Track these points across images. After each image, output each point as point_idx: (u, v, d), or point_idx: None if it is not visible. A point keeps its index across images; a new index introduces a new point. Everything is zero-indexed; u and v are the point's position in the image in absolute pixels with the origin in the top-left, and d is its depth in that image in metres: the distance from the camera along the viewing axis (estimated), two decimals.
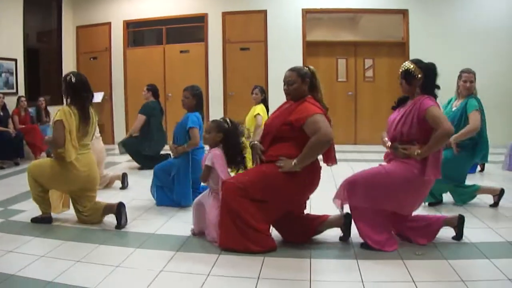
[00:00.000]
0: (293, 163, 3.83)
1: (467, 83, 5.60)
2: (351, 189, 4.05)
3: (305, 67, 4.21)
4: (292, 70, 4.13)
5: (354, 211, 4.08)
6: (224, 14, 11.76)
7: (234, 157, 4.31)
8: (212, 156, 4.23)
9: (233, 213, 3.86)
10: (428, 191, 4.23)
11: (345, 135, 11.62)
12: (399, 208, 4.12)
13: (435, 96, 4.17)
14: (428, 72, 4.15)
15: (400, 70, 4.24)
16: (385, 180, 4.01)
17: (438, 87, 4.21)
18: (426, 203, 5.55)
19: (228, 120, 4.39)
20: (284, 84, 4.12)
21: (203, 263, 3.70)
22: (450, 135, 3.99)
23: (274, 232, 4.23)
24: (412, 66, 4.15)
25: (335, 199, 4.19)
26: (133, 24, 12.44)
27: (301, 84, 4.07)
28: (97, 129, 6.94)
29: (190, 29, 12.30)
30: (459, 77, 5.73)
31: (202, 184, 5.10)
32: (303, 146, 3.87)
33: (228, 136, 4.30)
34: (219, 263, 3.72)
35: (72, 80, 4.63)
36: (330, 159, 4.17)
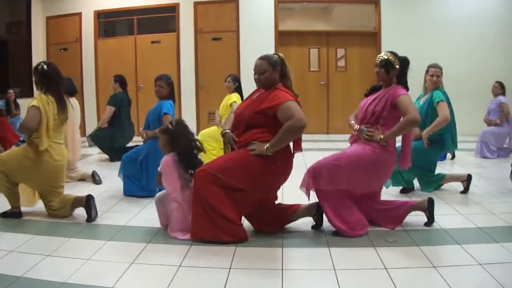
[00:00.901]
0: (265, 147, 3.82)
1: (434, 77, 5.73)
2: (316, 175, 4.09)
3: (275, 55, 4.20)
4: (263, 58, 4.11)
5: (321, 195, 4.12)
6: (196, 4, 11.68)
7: (189, 159, 4.20)
8: (162, 163, 4.17)
9: (205, 202, 3.82)
10: (390, 171, 4.36)
11: (318, 124, 11.65)
12: (362, 187, 4.21)
13: (407, 89, 4.34)
14: (403, 64, 4.35)
15: (379, 60, 4.37)
16: (347, 162, 4.10)
17: (408, 88, 4.39)
18: (398, 191, 5.66)
19: (173, 122, 4.32)
20: (255, 73, 4.10)
21: (174, 254, 3.67)
22: (416, 123, 4.13)
23: (246, 223, 4.22)
24: (391, 56, 4.32)
25: (301, 187, 4.21)
26: (104, 15, 12.27)
27: (272, 73, 4.05)
28: (79, 121, 6.89)
29: (161, 19, 12.18)
30: (426, 72, 5.86)
31: None
32: (275, 133, 3.87)
33: (174, 139, 4.20)
34: (191, 254, 3.69)
35: (45, 68, 4.59)
36: (298, 147, 4.20)
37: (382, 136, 4.12)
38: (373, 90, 4.49)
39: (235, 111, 4.38)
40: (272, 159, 3.89)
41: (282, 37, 11.64)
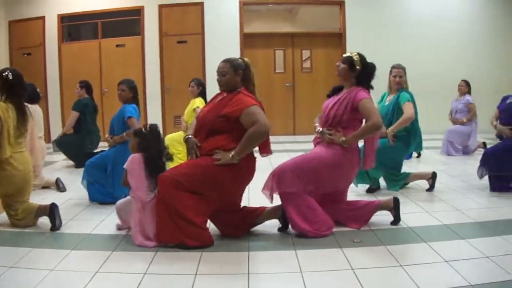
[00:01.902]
0: (230, 155, 3.81)
1: (396, 77, 5.84)
2: (279, 178, 4.09)
3: (239, 59, 4.19)
4: (226, 61, 4.10)
5: (284, 198, 4.11)
6: (161, 6, 11.60)
7: (155, 164, 4.13)
8: (128, 160, 4.13)
9: (169, 206, 3.78)
10: (355, 171, 4.39)
11: (284, 126, 11.70)
12: (326, 189, 4.24)
13: (370, 88, 4.39)
14: (367, 69, 4.38)
15: (344, 56, 4.44)
16: (310, 164, 4.13)
17: (372, 87, 4.44)
18: (365, 190, 5.73)
19: (147, 126, 4.27)
20: (218, 75, 4.10)
21: (140, 262, 3.62)
22: (378, 128, 4.18)
23: (211, 226, 4.20)
24: (356, 56, 4.36)
25: (264, 190, 4.20)
26: (68, 18, 12.07)
27: (234, 75, 4.05)
28: (42, 128, 6.75)
29: (126, 22, 12.06)
30: (390, 72, 5.96)
31: None
32: (239, 138, 3.86)
33: (145, 143, 4.14)
34: (156, 261, 3.64)
35: (9, 77, 4.49)
36: (266, 150, 4.19)
37: (343, 139, 4.15)
38: (335, 90, 4.52)
39: (198, 115, 4.36)
40: (237, 166, 3.88)
41: (248, 39, 11.64)
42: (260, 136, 3.87)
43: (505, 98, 6.05)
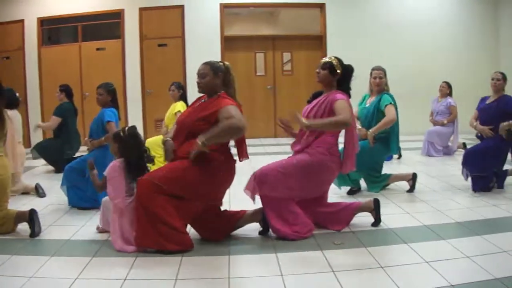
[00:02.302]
0: (200, 142, 3.72)
1: (376, 79, 5.88)
2: (261, 181, 4.09)
3: (220, 62, 4.18)
4: (206, 63, 4.09)
5: (264, 201, 4.13)
6: (141, 9, 11.52)
7: (137, 169, 4.11)
8: (109, 167, 4.11)
9: (149, 211, 3.76)
10: (335, 175, 4.45)
11: (265, 128, 11.70)
12: (306, 195, 4.26)
13: (349, 94, 4.42)
14: (346, 71, 4.43)
15: (322, 62, 4.45)
16: (293, 170, 4.13)
17: (350, 89, 4.49)
18: (345, 192, 5.75)
19: (125, 129, 4.25)
20: (197, 77, 4.08)
21: (120, 267, 3.59)
22: (344, 124, 4.13)
23: (192, 231, 4.19)
24: (335, 61, 4.40)
25: (246, 190, 4.22)
26: (48, 22, 11.92)
27: (213, 78, 4.02)
28: (20, 134, 6.67)
29: (106, 25, 11.98)
30: (370, 74, 6.00)
31: None
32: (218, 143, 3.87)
33: (124, 147, 4.14)
34: (136, 266, 3.62)
35: None
36: (242, 154, 4.15)
37: (307, 123, 4.07)
38: (316, 96, 4.57)
39: (177, 119, 4.35)
40: (215, 169, 3.89)
41: (228, 42, 11.62)
42: (234, 130, 3.79)
43: (483, 99, 6.12)
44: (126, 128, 4.28)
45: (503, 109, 5.73)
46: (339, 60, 4.44)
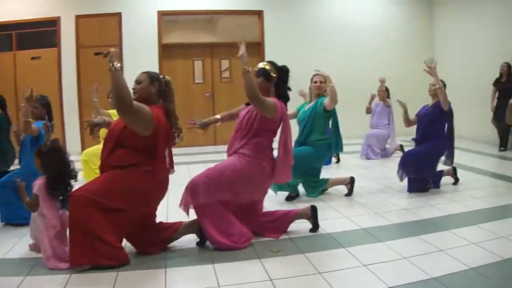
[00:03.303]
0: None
1: (317, 83, 5.91)
2: (193, 191, 4.02)
3: (161, 76, 4.12)
4: (144, 72, 4.05)
5: (200, 212, 4.04)
6: (78, 17, 11.21)
7: (58, 183, 3.92)
8: (36, 185, 3.92)
9: (82, 227, 3.60)
10: (269, 181, 4.38)
11: (205, 136, 11.53)
12: (241, 199, 4.21)
13: (287, 97, 4.45)
14: (282, 73, 4.41)
15: (256, 70, 4.40)
16: (224, 174, 4.08)
17: (289, 89, 4.48)
18: (284, 199, 5.74)
19: (47, 144, 4.08)
20: (134, 84, 4.00)
21: (54, 286, 3.42)
22: (251, 92, 4.12)
23: (128, 245, 4.06)
24: (268, 65, 4.37)
25: (180, 205, 4.14)
26: None
27: (148, 85, 3.95)
28: None
29: (42, 34, 11.58)
30: (311, 80, 6.04)
31: None
32: (143, 151, 3.78)
33: (44, 162, 3.95)
34: (72, 283, 3.46)
35: None
36: (171, 165, 4.07)
37: (248, 69, 4.11)
38: None
39: (110, 127, 4.21)
40: (152, 177, 3.81)
41: (166, 50, 11.50)
42: (123, 96, 3.59)
43: (424, 107, 6.28)
44: (48, 142, 4.11)
45: (437, 110, 5.87)
46: (273, 64, 4.41)
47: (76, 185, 4.01)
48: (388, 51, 12.18)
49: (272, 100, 4.22)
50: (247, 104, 4.52)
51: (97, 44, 11.20)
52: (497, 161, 8.49)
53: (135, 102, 3.67)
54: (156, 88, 3.99)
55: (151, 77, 3.98)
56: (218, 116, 4.84)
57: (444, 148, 5.99)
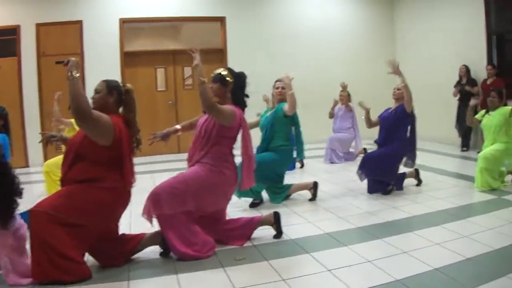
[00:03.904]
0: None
1: (279, 88, 5.92)
2: (155, 200, 3.97)
3: (121, 84, 4.05)
4: (104, 80, 3.98)
5: (163, 223, 4.00)
6: (38, 25, 10.98)
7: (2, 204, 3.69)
8: None
9: (43, 243, 3.53)
10: (232, 189, 4.37)
11: (168, 144, 11.42)
12: (204, 208, 4.17)
13: (244, 104, 4.46)
14: (239, 79, 4.42)
15: (212, 76, 4.40)
16: (187, 183, 4.05)
17: (247, 96, 4.49)
18: (248, 205, 5.74)
19: None
20: (93, 92, 3.95)
21: None
22: (207, 108, 4.08)
23: (90, 258, 3.97)
24: (224, 71, 4.39)
25: (143, 214, 4.06)
26: None
27: (106, 95, 3.89)
28: None
29: (1, 42, 11.33)
30: (273, 86, 6.06)
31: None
32: (104, 164, 3.72)
33: None
34: None
35: None
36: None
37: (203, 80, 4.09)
38: None
39: (70, 139, 4.12)
40: (109, 191, 3.72)
41: (129, 58, 11.39)
42: (80, 103, 3.51)
43: (387, 110, 6.36)
44: None
45: (400, 113, 5.95)
46: (230, 70, 4.44)
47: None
48: (350, 56, 12.38)
49: (229, 107, 4.23)
50: (205, 112, 4.50)
51: (58, 53, 10.99)
52: (459, 161, 8.67)
53: (94, 111, 3.61)
54: (114, 98, 3.93)
55: (109, 86, 3.92)
56: (178, 126, 4.84)
57: (405, 151, 6.07)
